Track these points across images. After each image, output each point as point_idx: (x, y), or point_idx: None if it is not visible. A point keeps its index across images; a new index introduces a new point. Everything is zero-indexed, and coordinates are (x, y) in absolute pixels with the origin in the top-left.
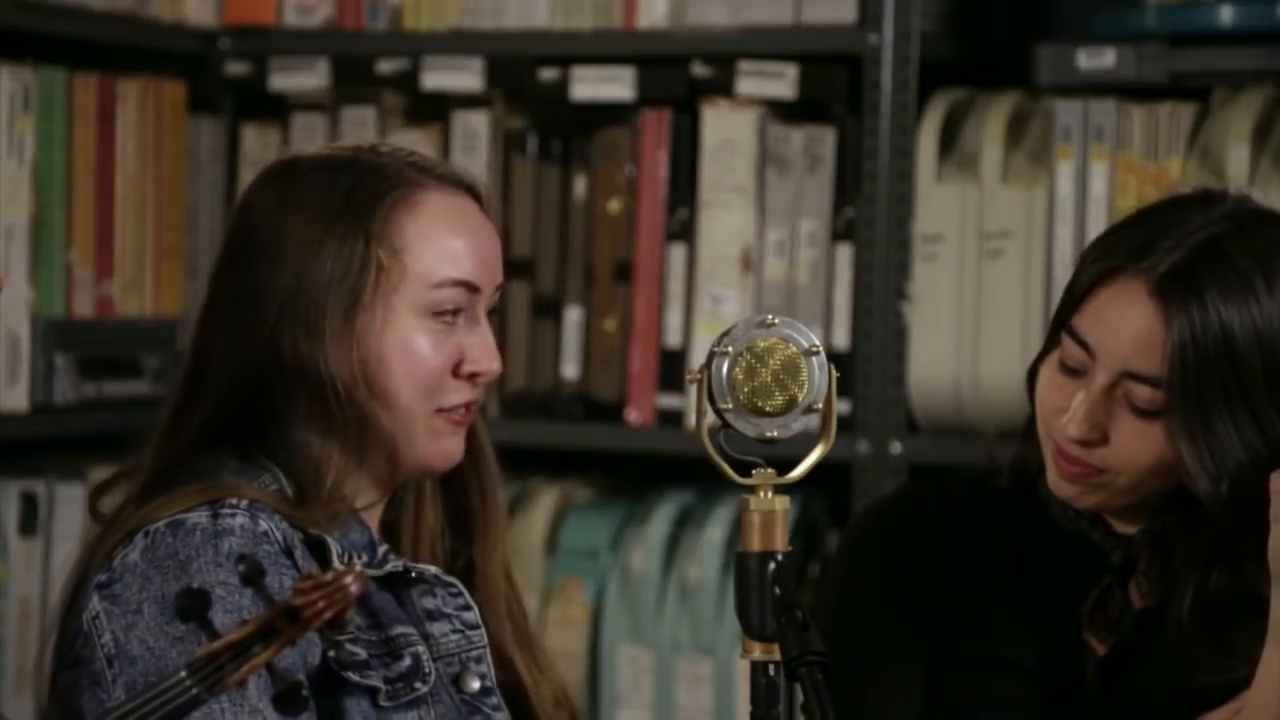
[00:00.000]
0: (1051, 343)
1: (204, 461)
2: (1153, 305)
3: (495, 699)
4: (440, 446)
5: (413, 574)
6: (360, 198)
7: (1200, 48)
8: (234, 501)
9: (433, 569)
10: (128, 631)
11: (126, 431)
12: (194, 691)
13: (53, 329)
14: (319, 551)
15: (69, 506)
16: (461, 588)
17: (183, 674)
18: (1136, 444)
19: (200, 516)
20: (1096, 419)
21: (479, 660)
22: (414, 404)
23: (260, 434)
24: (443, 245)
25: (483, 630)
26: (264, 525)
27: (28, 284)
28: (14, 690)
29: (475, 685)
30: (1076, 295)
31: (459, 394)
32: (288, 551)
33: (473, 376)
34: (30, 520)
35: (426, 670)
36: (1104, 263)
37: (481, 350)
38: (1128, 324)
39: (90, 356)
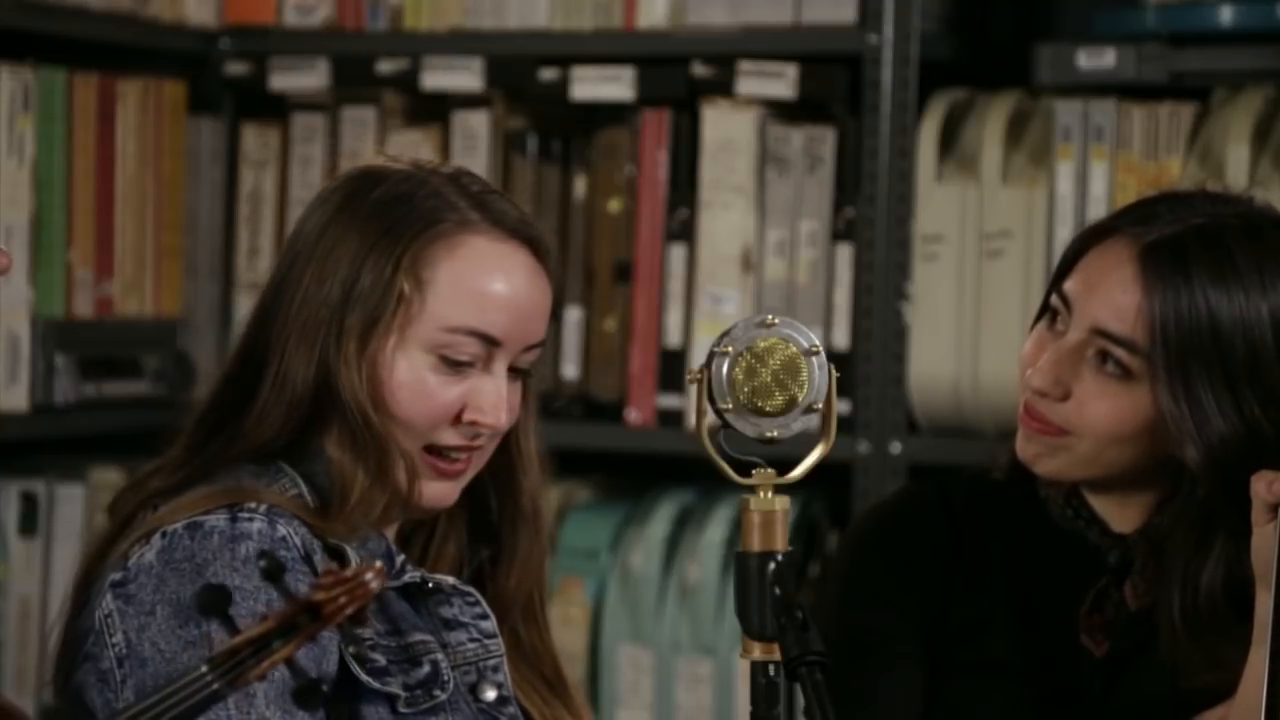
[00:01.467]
0: (1044, 308)
1: (221, 464)
2: (1134, 269)
3: (512, 708)
4: (427, 489)
5: (430, 584)
6: (406, 225)
7: (1200, 48)
8: (252, 505)
9: (450, 580)
10: (140, 633)
11: (126, 431)
12: (215, 686)
13: (53, 329)
14: (338, 559)
15: (69, 506)
16: (479, 597)
17: (204, 668)
18: (1098, 405)
19: (218, 519)
20: (1061, 373)
21: (496, 669)
22: (407, 433)
23: (282, 446)
24: (470, 290)
25: (500, 639)
26: (282, 530)
27: (28, 284)
28: (14, 690)
29: (492, 694)
30: (1071, 256)
31: (451, 437)
32: (306, 558)
33: (473, 424)
34: (30, 520)
35: (445, 678)
36: (1102, 225)
37: (487, 401)
38: (1106, 282)
39: (90, 356)
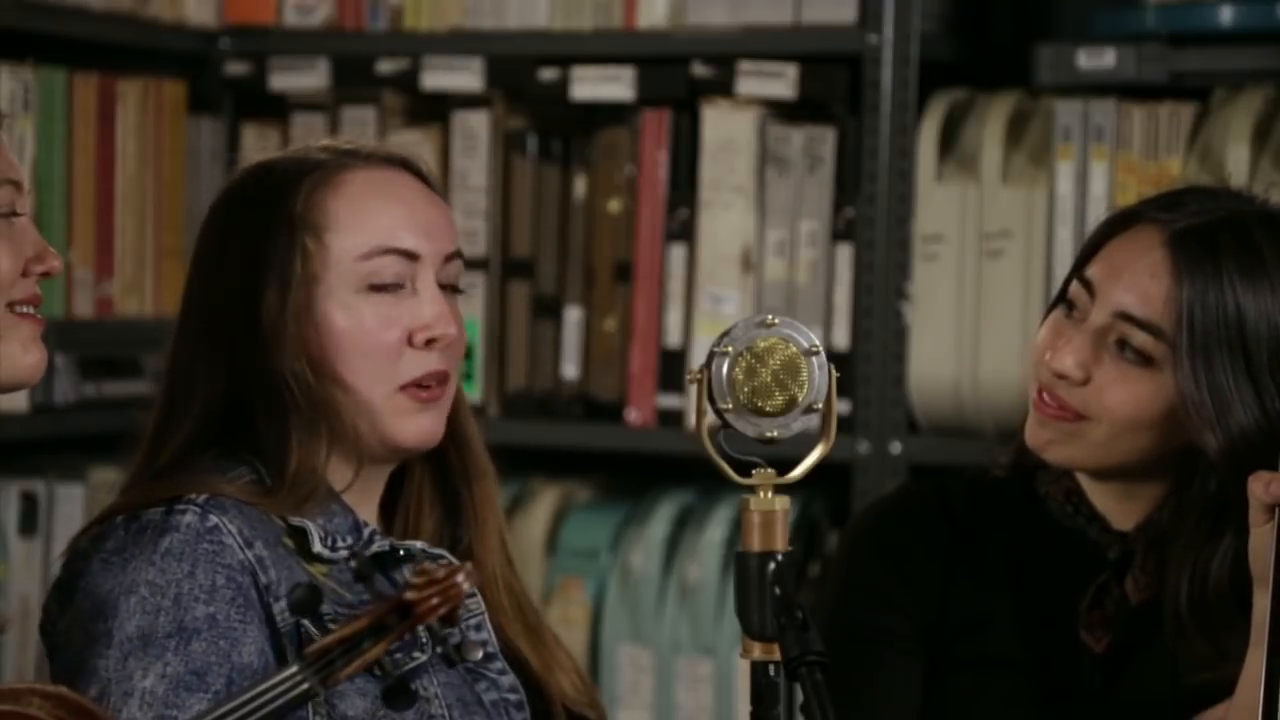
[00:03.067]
0: (1061, 296)
1: (181, 462)
2: (1163, 254)
3: (500, 663)
4: (413, 425)
5: (400, 552)
6: (280, 186)
7: (1200, 48)
8: (192, 497)
9: (419, 544)
10: (65, 624)
11: (126, 431)
12: (306, 685)
13: (53, 329)
14: (300, 538)
15: (69, 506)
16: (451, 558)
17: (295, 668)
18: (1117, 390)
19: (155, 513)
20: (1083, 356)
21: (478, 627)
22: (372, 383)
23: (241, 429)
24: (369, 218)
25: (479, 598)
26: (213, 521)
27: None
28: None
29: (477, 653)
30: (1093, 243)
31: (419, 364)
32: (246, 545)
33: (430, 343)
34: (30, 520)
35: (423, 640)
36: (1126, 212)
37: (430, 312)
38: (1134, 268)
39: (90, 356)
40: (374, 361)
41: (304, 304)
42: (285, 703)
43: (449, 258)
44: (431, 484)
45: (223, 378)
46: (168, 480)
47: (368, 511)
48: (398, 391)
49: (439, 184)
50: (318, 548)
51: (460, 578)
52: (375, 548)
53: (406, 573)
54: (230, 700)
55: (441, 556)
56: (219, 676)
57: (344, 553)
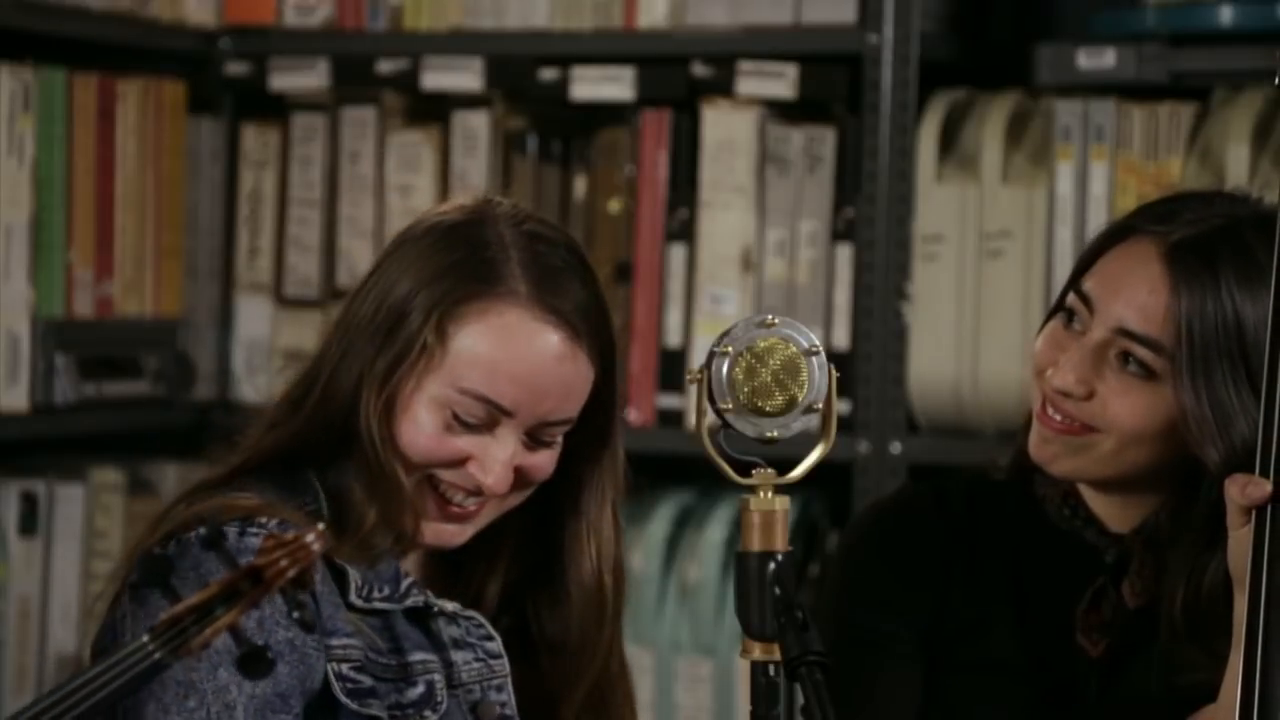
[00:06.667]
0: (1058, 307)
1: (251, 473)
2: (1160, 267)
3: None
4: (432, 528)
5: (434, 609)
6: (451, 278)
7: (1200, 48)
8: (264, 520)
9: (451, 605)
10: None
11: (126, 431)
12: (157, 656)
13: (53, 329)
14: (339, 580)
15: (69, 506)
16: (483, 620)
17: (145, 639)
18: (1121, 404)
19: (230, 532)
20: (1084, 373)
21: (500, 689)
22: (410, 467)
23: (318, 455)
24: (487, 358)
25: (505, 660)
26: None
27: (28, 284)
28: (14, 690)
29: (495, 713)
30: (1089, 256)
31: (450, 476)
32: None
33: (472, 476)
34: (30, 520)
35: (439, 699)
36: (1122, 224)
37: (485, 463)
38: (1131, 282)
39: (90, 356)
40: (418, 457)
41: (400, 385)
42: (137, 674)
43: (552, 423)
44: (504, 562)
45: (350, 400)
46: (239, 492)
47: (413, 562)
48: (427, 486)
49: (587, 341)
50: (352, 596)
51: (310, 538)
52: (410, 601)
53: (440, 624)
54: (80, 676)
55: (474, 618)
56: (298, 702)
57: (378, 603)
